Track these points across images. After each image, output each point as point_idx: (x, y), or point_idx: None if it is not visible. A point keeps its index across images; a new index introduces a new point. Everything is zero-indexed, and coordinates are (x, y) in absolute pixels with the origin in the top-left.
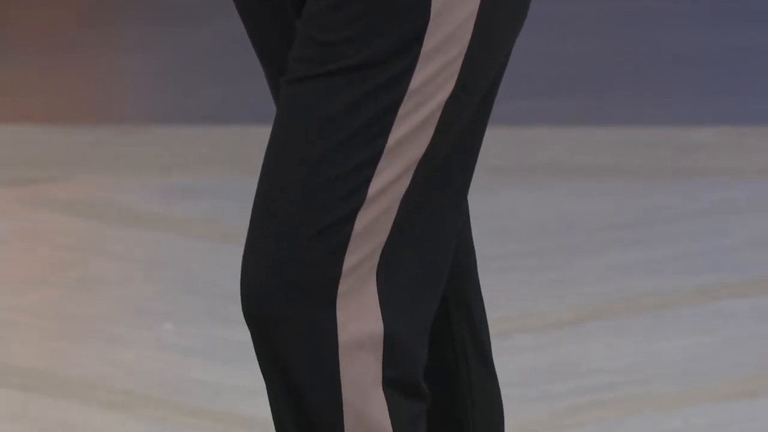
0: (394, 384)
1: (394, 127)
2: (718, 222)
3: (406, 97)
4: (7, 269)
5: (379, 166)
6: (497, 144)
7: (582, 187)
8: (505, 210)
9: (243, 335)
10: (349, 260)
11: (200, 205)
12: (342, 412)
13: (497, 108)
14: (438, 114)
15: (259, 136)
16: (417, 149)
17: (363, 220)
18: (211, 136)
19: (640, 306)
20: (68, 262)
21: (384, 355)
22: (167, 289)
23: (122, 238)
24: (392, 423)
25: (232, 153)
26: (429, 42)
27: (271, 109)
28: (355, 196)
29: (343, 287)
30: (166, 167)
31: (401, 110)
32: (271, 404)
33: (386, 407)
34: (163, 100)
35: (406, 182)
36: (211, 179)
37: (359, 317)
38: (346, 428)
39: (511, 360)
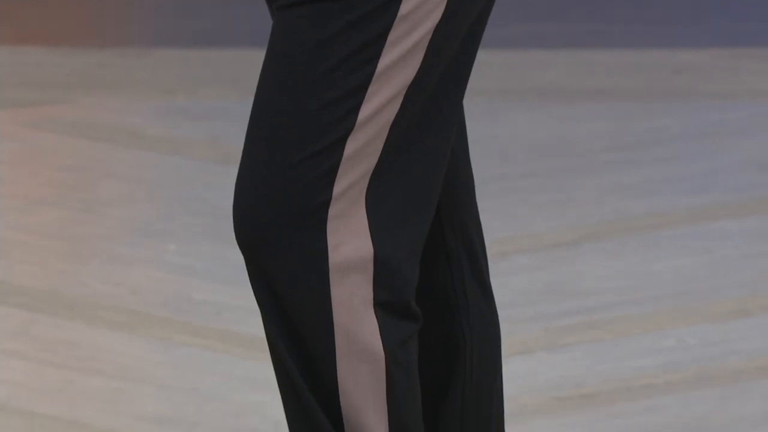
0: (384, 305)
1: (383, 53)
2: (713, 144)
3: (395, 24)
4: (12, 190)
5: (369, 91)
6: (495, 68)
7: (579, 110)
8: (503, 133)
9: None
10: (339, 184)
11: (202, 126)
12: (333, 334)
13: (495, 32)
14: (427, 40)
15: (261, 58)
16: (406, 75)
17: (353, 145)
18: (213, 58)
19: (636, 227)
20: (72, 184)
21: (374, 277)
22: (170, 210)
23: (125, 160)
24: (383, 344)
25: (234, 75)
26: None
27: None
28: (345, 121)
29: (333, 211)
30: (168, 89)
31: (390, 36)
32: (265, 327)
33: (377, 328)
34: (165, 23)
35: (395, 108)
36: (213, 101)
37: (349, 240)
38: (337, 350)
39: (508, 280)
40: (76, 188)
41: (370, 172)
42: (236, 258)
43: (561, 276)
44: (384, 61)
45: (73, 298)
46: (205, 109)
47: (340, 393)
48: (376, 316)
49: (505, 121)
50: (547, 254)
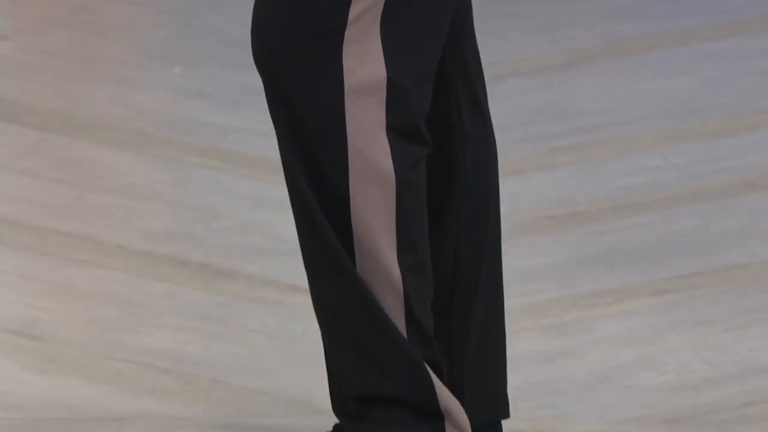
0: (396, 129)
1: None
2: None
3: None
4: (23, 12)
5: None
6: None
7: None
8: None
9: (249, 79)
10: (355, 9)
11: None
12: (347, 154)
13: None
14: None
15: None
16: None
17: None
18: None
19: (625, 49)
20: (83, 6)
21: (387, 100)
22: (176, 34)
23: None
24: (395, 166)
25: None
26: None
27: None
28: None
29: (348, 34)
30: None
31: None
32: (280, 149)
33: (389, 151)
34: None
35: None
36: None
37: (363, 63)
38: (350, 170)
39: (502, 103)
40: (86, 10)
41: None
42: (241, 81)
43: (553, 98)
44: None
45: (82, 118)
46: None
47: (351, 213)
48: (389, 139)
49: None
50: (540, 77)
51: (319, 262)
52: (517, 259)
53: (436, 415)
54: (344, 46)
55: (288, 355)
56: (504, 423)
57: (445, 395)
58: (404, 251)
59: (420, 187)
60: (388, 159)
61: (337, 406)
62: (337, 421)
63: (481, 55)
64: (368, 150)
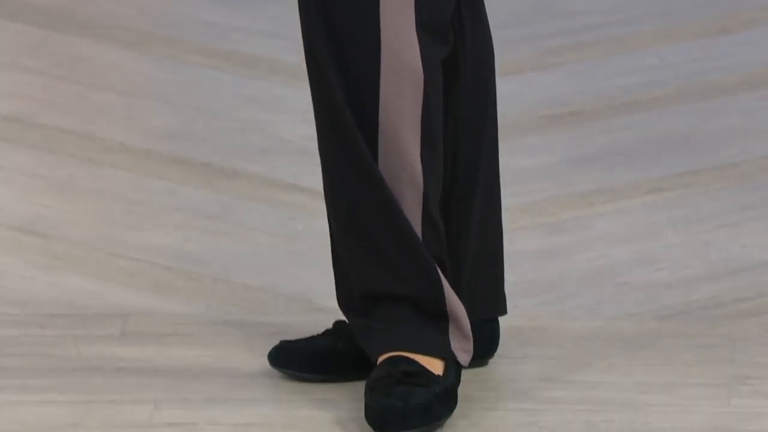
0: (427, 26)
1: None
2: None
3: None
4: None
5: None
6: None
7: None
8: None
9: None
10: None
11: None
12: (380, 52)
13: None
14: None
15: None
16: None
17: None
18: None
19: None
20: None
21: None
22: None
23: None
24: (423, 65)
25: None
26: None
27: None
28: None
29: None
30: None
31: None
32: (311, 43)
33: (419, 49)
34: None
35: None
36: None
37: None
38: (382, 68)
39: (500, 3)
40: None
41: None
42: None
43: None
44: None
45: (85, 16)
46: None
47: (380, 108)
48: (418, 37)
49: None
50: None
51: (340, 157)
52: (515, 158)
53: (442, 317)
54: None
55: (288, 252)
56: (501, 320)
57: (452, 299)
58: (427, 148)
59: (440, 87)
60: (417, 57)
61: (343, 302)
62: (337, 318)
63: None
64: (399, 47)
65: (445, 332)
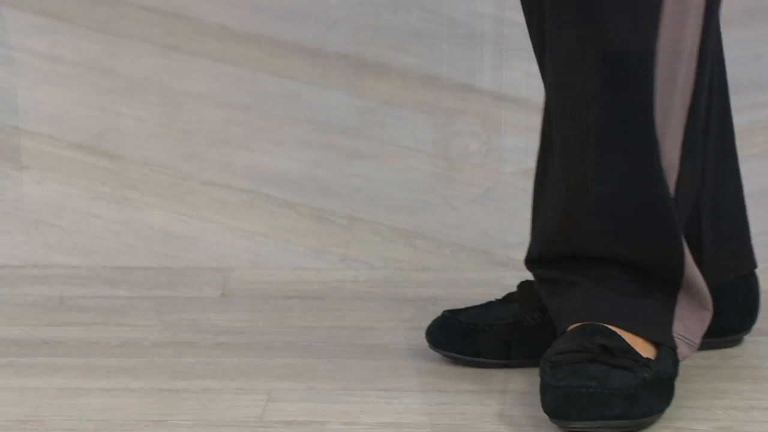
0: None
1: None
2: None
3: None
4: None
5: None
6: None
7: None
8: None
9: None
10: None
11: None
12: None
13: None
14: None
15: None
16: None
17: None
18: None
19: None
20: None
21: None
22: None
23: None
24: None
25: None
26: None
27: None
28: None
29: None
30: None
31: None
32: None
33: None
34: None
35: None
36: None
37: None
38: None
39: None
40: None
41: None
42: None
43: None
44: None
45: None
46: None
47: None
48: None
49: None
50: None
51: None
52: None
53: (674, 284)
54: None
55: (455, 183)
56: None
57: (690, 264)
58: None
59: None
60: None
61: (536, 259)
62: (524, 277)
63: None
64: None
65: (671, 308)
